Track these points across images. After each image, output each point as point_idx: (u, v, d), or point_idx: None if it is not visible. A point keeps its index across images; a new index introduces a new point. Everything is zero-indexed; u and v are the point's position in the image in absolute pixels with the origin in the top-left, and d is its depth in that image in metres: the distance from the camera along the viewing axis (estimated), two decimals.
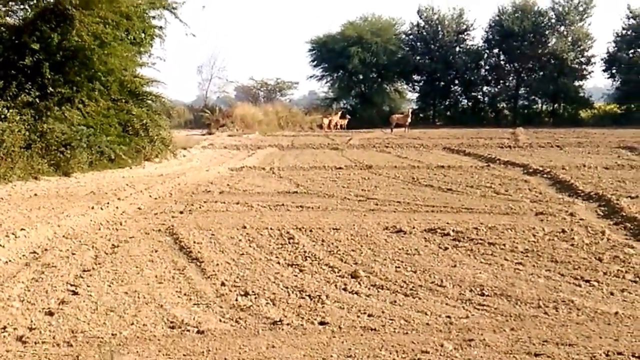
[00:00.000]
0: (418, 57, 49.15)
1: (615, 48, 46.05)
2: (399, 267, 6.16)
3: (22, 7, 15.90)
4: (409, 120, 36.77)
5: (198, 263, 6.34)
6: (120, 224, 8.38)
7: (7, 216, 8.67)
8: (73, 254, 6.74)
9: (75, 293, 5.35)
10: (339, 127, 40.51)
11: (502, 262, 6.34)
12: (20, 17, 15.53)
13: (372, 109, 47.82)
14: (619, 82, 46.31)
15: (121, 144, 15.56)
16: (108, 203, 9.57)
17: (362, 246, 7.06)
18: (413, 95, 52.40)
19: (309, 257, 6.59)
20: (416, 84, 51.36)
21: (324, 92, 53.60)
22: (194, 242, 7.21)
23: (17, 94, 13.28)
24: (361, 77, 49.19)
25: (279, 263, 6.38)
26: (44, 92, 14.13)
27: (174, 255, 6.70)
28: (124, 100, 16.85)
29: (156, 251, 6.88)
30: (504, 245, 6.99)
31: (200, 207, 9.74)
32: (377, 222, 8.40)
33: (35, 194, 11.01)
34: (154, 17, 17.30)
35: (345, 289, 5.46)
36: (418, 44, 49.57)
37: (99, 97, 15.67)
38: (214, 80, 52.84)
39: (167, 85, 19.58)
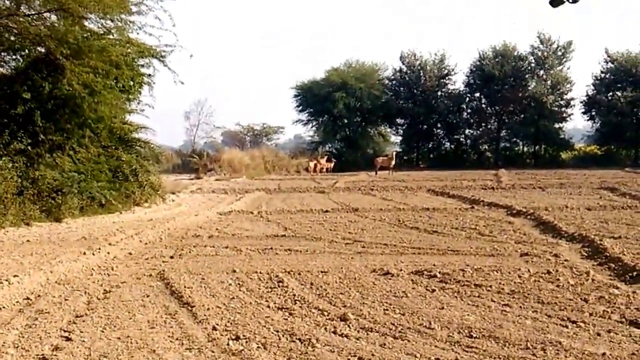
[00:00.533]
0: (401, 102, 49.93)
1: (594, 91, 47.05)
2: (387, 310, 6.21)
3: (14, 57, 16.24)
4: (393, 162, 37.19)
5: (189, 308, 6.38)
6: (112, 269, 8.45)
7: (0, 263, 8.72)
8: (66, 299, 6.78)
9: (68, 339, 5.39)
10: (324, 170, 40.77)
11: (489, 303, 6.40)
12: (12, 67, 15.84)
13: (356, 152, 48.36)
14: (598, 124, 47.17)
15: (111, 190, 15.75)
16: (99, 248, 9.64)
17: (350, 289, 7.12)
18: (397, 139, 53.32)
19: (298, 300, 6.64)
20: (400, 127, 52.11)
21: (310, 136, 54.47)
22: (185, 287, 7.26)
23: (10, 142, 13.47)
24: (346, 121, 49.82)
25: (269, 307, 6.41)
26: (35, 139, 14.32)
27: (166, 300, 6.74)
28: (113, 147, 17.06)
29: (148, 296, 6.93)
30: (491, 286, 7.06)
31: (190, 252, 9.84)
32: (364, 265, 8.49)
33: (28, 240, 11.08)
34: (142, 66, 17.58)
35: (335, 332, 5.51)
36: (401, 88, 50.39)
37: (90, 143, 15.91)
38: (201, 125, 53.33)
39: (155, 132, 19.74)
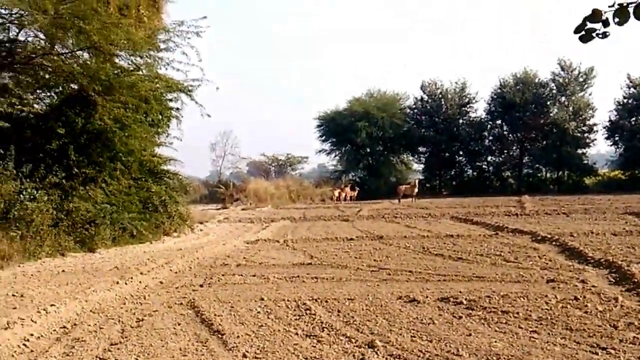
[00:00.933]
0: (423, 130, 50.13)
1: (617, 116, 46.68)
2: (414, 337, 6.19)
3: (48, 94, 16.79)
4: (416, 190, 37.26)
5: (219, 335, 6.46)
6: (144, 298, 8.60)
7: (38, 292, 8.90)
8: (101, 328, 6.92)
9: None
10: (348, 198, 40.91)
11: (517, 330, 6.34)
12: (47, 104, 16.33)
13: (379, 180, 48.57)
14: (622, 149, 46.68)
15: (142, 220, 16.12)
16: (132, 278, 9.81)
17: (377, 316, 7.11)
18: (419, 166, 53.48)
19: (326, 327, 6.65)
20: (422, 155, 52.34)
21: (333, 165, 54.97)
22: (215, 315, 7.36)
23: (45, 176, 13.80)
24: (368, 150, 50.18)
25: (297, 334, 6.45)
26: (69, 173, 14.68)
27: (196, 328, 6.83)
28: (143, 179, 17.46)
29: (179, 324, 7.03)
30: (518, 313, 7.01)
31: (219, 280, 9.96)
32: (390, 292, 8.48)
33: (63, 270, 11.28)
34: (170, 100, 18.03)
35: (362, 359, 5.54)
36: (422, 117, 50.67)
37: (121, 176, 16.32)
38: (227, 156, 54.16)
39: (183, 164, 20.12)
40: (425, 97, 50.49)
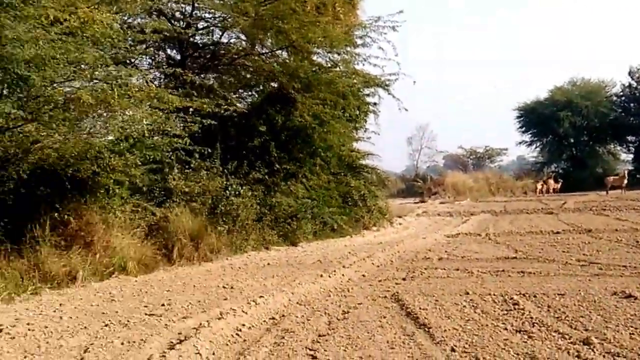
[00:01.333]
0: (632, 118, 47.12)
1: None
2: (633, 334, 5.78)
3: (250, 93, 17.83)
4: (626, 181, 35.52)
5: (426, 329, 6.34)
6: (348, 291, 8.67)
7: (246, 284, 9.29)
8: (308, 319, 7.05)
9: (314, 357, 5.59)
10: (551, 191, 39.48)
11: None
12: (249, 103, 17.20)
13: (584, 172, 46.40)
14: None
15: (342, 214, 16.50)
16: (334, 271, 9.96)
17: (590, 312, 6.72)
18: (628, 156, 50.52)
19: (536, 323, 6.37)
20: (631, 144, 49.16)
21: (534, 156, 53.74)
22: (420, 308, 7.24)
23: (249, 172, 14.48)
24: (572, 140, 48.61)
25: (506, 329, 6.22)
26: (271, 169, 15.32)
27: (402, 321, 6.77)
28: (342, 174, 17.94)
29: (384, 317, 6.99)
30: None
31: (421, 274, 9.84)
32: (603, 287, 7.96)
33: (268, 263, 11.74)
34: (367, 95, 18.31)
35: (578, 357, 5.23)
36: (631, 104, 47.54)
37: (320, 171, 16.86)
38: (424, 150, 54.46)
39: (381, 158, 20.42)
40: (634, 84, 47.11)
